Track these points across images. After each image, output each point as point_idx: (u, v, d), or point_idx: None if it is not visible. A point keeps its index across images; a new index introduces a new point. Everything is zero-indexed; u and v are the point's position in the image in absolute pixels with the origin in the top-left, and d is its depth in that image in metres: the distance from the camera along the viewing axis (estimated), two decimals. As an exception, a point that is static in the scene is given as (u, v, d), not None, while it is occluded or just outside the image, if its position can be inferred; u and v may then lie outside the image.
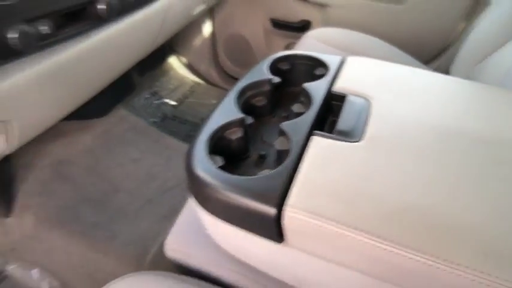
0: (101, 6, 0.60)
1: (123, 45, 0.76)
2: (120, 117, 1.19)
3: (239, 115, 0.46)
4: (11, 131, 0.59)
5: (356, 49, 0.93)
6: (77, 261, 0.88)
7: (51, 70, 0.57)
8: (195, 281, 0.49)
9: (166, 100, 1.47)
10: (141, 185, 0.98)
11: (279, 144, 0.42)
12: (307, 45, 0.96)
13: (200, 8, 1.10)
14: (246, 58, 1.52)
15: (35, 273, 0.88)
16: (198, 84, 1.60)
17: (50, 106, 0.66)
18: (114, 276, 0.84)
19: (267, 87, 0.52)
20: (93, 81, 0.76)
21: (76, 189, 0.94)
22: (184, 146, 1.18)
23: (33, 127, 0.66)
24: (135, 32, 0.76)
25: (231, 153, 0.45)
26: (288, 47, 1.39)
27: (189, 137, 1.28)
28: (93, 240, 0.88)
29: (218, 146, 0.44)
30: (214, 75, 1.59)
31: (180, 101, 1.49)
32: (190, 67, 1.62)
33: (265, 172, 0.39)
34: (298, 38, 1.03)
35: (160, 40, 0.96)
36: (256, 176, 0.38)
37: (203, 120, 0.47)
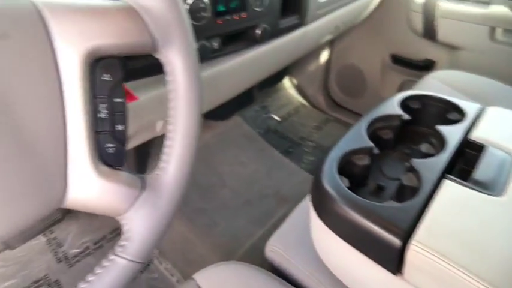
0: (258, 31, 0.72)
1: (265, 63, 0.88)
2: (236, 123, 1.35)
3: (368, 144, 0.50)
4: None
5: (486, 97, 0.88)
6: (177, 237, 1.00)
7: (210, 77, 0.70)
8: (288, 285, 0.52)
9: (273, 115, 1.58)
10: (243, 186, 1.09)
11: (406, 179, 0.44)
12: (430, 86, 0.95)
13: (328, 37, 1.18)
14: (357, 89, 1.55)
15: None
16: (304, 105, 1.68)
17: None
18: (204, 259, 0.95)
19: (396, 123, 0.55)
20: (234, 89, 0.89)
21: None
22: (284, 160, 1.27)
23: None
24: (276, 53, 0.87)
25: (353, 177, 0.48)
26: (404, 84, 1.38)
27: (289, 153, 1.36)
28: (194, 223, 1.01)
29: (343, 168, 0.48)
30: (320, 100, 1.65)
31: (284, 118, 1.59)
32: (299, 89, 1.71)
33: (391, 203, 0.42)
34: (417, 76, 1.02)
35: (289, 62, 1.06)
36: (385, 205, 0.41)
37: (335, 142, 0.52)
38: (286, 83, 1.73)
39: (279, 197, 1.09)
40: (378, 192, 0.50)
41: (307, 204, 0.65)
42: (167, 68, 0.33)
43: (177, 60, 0.32)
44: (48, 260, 0.97)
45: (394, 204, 0.41)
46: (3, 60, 0.24)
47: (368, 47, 1.43)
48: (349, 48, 1.51)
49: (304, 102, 1.69)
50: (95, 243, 1.03)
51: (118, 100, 0.30)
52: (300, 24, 0.87)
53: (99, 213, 0.31)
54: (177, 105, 0.33)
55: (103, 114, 0.29)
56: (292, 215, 0.66)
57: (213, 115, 1.24)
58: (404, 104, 0.58)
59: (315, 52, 1.56)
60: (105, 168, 0.30)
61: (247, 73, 0.87)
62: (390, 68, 1.40)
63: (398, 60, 1.35)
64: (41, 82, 0.26)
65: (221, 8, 0.63)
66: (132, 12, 0.30)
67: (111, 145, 0.30)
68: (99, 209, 0.30)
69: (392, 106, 0.56)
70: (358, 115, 1.57)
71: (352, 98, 1.58)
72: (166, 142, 0.34)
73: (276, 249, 0.61)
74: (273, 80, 1.61)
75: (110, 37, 0.28)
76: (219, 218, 1.00)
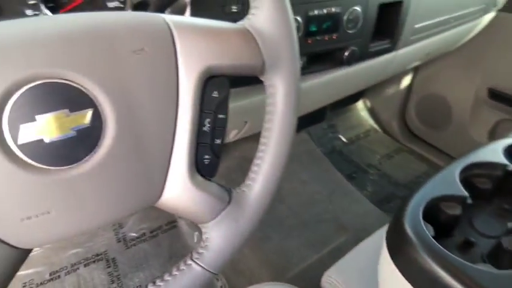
0: (346, 53, 0.70)
1: (346, 84, 0.85)
2: (302, 139, 1.32)
3: (462, 192, 0.45)
4: (243, 129, 0.75)
5: None
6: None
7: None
8: None
9: (340, 135, 1.53)
10: (302, 206, 1.06)
11: (508, 242, 0.39)
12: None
13: (416, 63, 1.11)
14: (440, 121, 1.42)
15: (197, 235, 1.06)
16: (375, 130, 1.60)
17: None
18: (252, 272, 0.94)
19: (497, 172, 0.49)
20: (309, 106, 0.88)
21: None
22: (347, 185, 1.21)
23: (253, 129, 0.81)
24: (359, 76, 0.84)
25: (438, 225, 0.45)
26: (499, 124, 1.23)
27: (352, 178, 1.30)
28: (248, 234, 1.00)
29: (429, 213, 0.44)
30: (394, 127, 1.56)
31: (352, 141, 1.53)
32: (372, 112, 1.64)
33: (487, 266, 0.38)
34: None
35: (370, 85, 1.02)
36: (480, 267, 0.37)
37: (423, 181, 0.48)
38: (359, 104, 1.67)
39: (338, 224, 1.04)
40: (466, 247, 0.45)
41: (375, 240, 0.62)
42: (269, 90, 0.33)
43: (280, 85, 0.33)
44: (110, 238, 1.05)
45: (491, 268, 0.37)
46: (137, 72, 0.27)
47: (459, 77, 1.32)
48: (436, 75, 1.40)
49: (375, 126, 1.61)
50: (151, 232, 1.09)
51: (221, 116, 0.31)
52: (391, 49, 0.83)
53: (185, 217, 0.33)
54: (271, 127, 0.34)
55: (206, 127, 0.31)
56: (357, 249, 0.63)
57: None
58: (510, 152, 0.52)
59: (396, 76, 1.48)
60: (199, 178, 0.31)
61: (325, 92, 0.85)
62: (485, 103, 1.26)
63: (497, 95, 1.21)
64: (162, 94, 0.28)
65: (313, 28, 0.63)
66: (247, 35, 0.31)
67: (207, 157, 0.32)
68: (186, 214, 0.32)
69: (496, 152, 0.51)
70: (437, 150, 1.44)
71: (432, 130, 1.46)
72: (256, 161, 0.34)
73: (334, 281, 0.59)
74: (347, 100, 1.56)
75: (226, 58, 0.30)
76: (273, 234, 0.98)
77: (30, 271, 0.96)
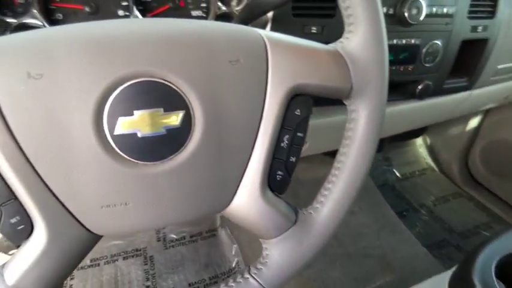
0: (420, 86, 0.67)
1: (412, 117, 0.82)
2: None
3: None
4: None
5: None
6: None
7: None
8: None
9: (394, 170, 1.46)
10: (348, 237, 1.02)
11: None
12: None
13: (490, 105, 1.04)
14: (507, 170, 1.30)
15: (235, 248, 1.05)
16: (432, 170, 1.51)
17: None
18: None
19: None
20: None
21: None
22: (398, 223, 1.14)
23: (311, 151, 0.80)
24: (427, 111, 0.81)
25: (509, 283, 0.41)
26: None
27: (402, 216, 1.22)
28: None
29: (501, 268, 0.41)
30: (454, 169, 1.46)
31: (406, 177, 1.45)
32: (432, 150, 1.54)
33: None
34: None
35: (436, 121, 0.97)
36: None
37: (496, 234, 0.44)
38: (418, 140, 1.58)
39: (385, 262, 0.98)
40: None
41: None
42: (351, 114, 0.33)
43: (364, 112, 0.32)
44: (151, 235, 1.08)
45: None
46: (230, 82, 0.28)
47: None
48: (509, 121, 1.29)
49: (433, 166, 1.52)
50: (191, 236, 1.10)
51: (300, 134, 0.31)
52: (467, 87, 0.79)
53: (248, 229, 0.32)
54: (348, 153, 0.33)
55: (284, 144, 0.31)
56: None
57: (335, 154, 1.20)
58: None
59: (465, 115, 1.39)
60: (269, 193, 0.31)
61: (390, 123, 0.82)
62: None
63: None
64: (249, 106, 0.29)
65: (389, 58, 0.61)
66: (339, 58, 0.31)
67: (280, 173, 0.32)
68: (250, 226, 0.32)
69: None
70: (501, 200, 1.31)
71: (497, 178, 1.34)
72: (327, 184, 0.34)
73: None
74: (407, 134, 1.49)
75: (315, 78, 0.30)
76: (315, 261, 0.95)
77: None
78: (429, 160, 1.53)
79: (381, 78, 0.32)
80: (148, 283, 0.97)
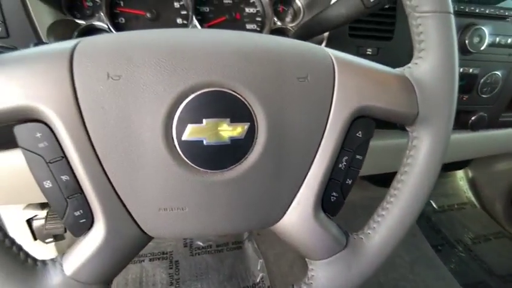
0: (473, 117, 0.65)
1: (461, 148, 0.78)
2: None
3: None
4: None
5: None
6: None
7: (394, 144, 0.65)
8: None
9: (431, 200, 1.39)
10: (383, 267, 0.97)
11: None
12: None
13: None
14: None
15: (261, 263, 1.03)
16: (473, 205, 1.42)
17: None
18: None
19: None
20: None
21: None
22: (433, 257, 1.08)
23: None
24: (478, 143, 0.77)
25: None
26: None
27: (438, 250, 1.15)
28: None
29: None
30: (498, 207, 1.36)
31: (443, 209, 1.38)
32: (473, 185, 1.46)
33: None
34: None
35: (482, 155, 0.92)
36: None
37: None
38: (459, 172, 1.51)
39: (416, 297, 0.93)
40: None
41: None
42: (413, 141, 0.32)
43: (427, 140, 0.31)
44: (178, 240, 1.09)
45: None
46: (297, 98, 0.28)
47: None
48: None
49: (474, 201, 1.43)
50: (217, 246, 1.10)
51: (359, 157, 0.31)
52: (524, 122, 0.74)
53: (294, 248, 0.32)
54: (406, 181, 0.32)
55: (342, 165, 0.30)
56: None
57: (372, 178, 1.17)
58: None
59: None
60: (321, 214, 0.31)
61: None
62: None
63: None
64: (312, 123, 0.29)
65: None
66: (406, 83, 0.30)
67: (335, 194, 0.31)
68: (298, 245, 0.31)
69: None
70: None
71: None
72: (380, 211, 0.33)
73: None
74: (449, 165, 1.42)
75: (381, 101, 0.29)
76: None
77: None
78: (470, 194, 1.45)
79: (449, 109, 0.31)
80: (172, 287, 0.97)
